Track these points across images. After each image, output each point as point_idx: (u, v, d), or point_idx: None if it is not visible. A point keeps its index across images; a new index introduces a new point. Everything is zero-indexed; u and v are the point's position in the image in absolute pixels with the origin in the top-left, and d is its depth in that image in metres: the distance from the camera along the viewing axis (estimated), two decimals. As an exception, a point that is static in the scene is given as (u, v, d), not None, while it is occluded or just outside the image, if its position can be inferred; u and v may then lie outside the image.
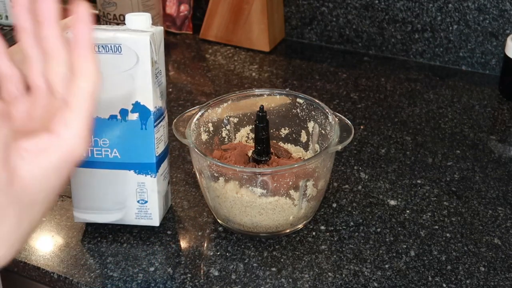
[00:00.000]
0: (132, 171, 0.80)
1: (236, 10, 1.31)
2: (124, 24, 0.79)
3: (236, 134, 0.92)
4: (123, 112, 0.77)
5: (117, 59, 0.75)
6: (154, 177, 0.81)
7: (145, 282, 0.77)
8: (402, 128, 1.06)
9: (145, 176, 0.81)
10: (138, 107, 0.77)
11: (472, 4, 1.18)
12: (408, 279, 0.77)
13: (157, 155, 0.80)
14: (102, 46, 0.75)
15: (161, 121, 0.81)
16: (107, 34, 0.75)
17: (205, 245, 0.83)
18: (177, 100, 1.15)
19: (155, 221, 0.84)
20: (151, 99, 0.77)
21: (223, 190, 0.80)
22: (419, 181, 0.93)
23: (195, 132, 0.85)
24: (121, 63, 0.75)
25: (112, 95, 0.77)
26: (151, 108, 0.77)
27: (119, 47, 0.75)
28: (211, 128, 0.89)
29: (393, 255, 0.81)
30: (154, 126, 0.78)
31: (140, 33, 0.75)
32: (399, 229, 0.85)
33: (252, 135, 0.91)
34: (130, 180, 0.81)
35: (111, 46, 0.75)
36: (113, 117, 0.78)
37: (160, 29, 0.79)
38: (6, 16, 1.40)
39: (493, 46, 1.19)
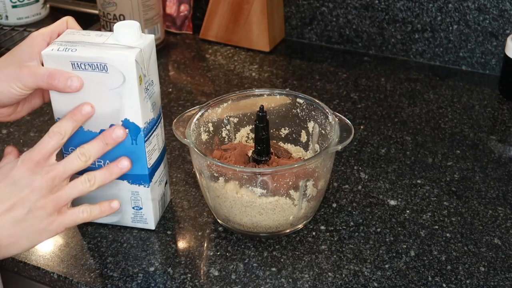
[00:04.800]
0: (125, 181, 0.80)
1: (236, 10, 1.31)
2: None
3: (236, 134, 0.92)
4: None
5: (104, 77, 0.73)
6: (147, 187, 0.81)
7: (145, 282, 0.77)
8: (402, 128, 1.06)
9: (139, 186, 0.80)
10: (127, 124, 0.76)
11: (472, 4, 1.18)
12: (408, 279, 0.77)
13: (149, 166, 0.80)
14: (88, 64, 0.73)
15: (154, 131, 0.80)
16: (93, 51, 0.73)
17: (205, 245, 0.83)
18: (177, 100, 1.15)
19: (151, 225, 0.84)
20: (140, 117, 0.76)
21: (223, 190, 0.80)
22: (419, 181, 0.94)
23: (195, 132, 0.85)
24: (108, 82, 0.74)
25: (101, 111, 0.75)
26: (141, 125, 0.76)
27: (105, 66, 0.73)
28: (211, 128, 0.89)
29: (393, 255, 0.81)
30: (145, 141, 0.78)
31: (126, 51, 0.73)
32: (399, 229, 0.85)
33: (252, 135, 0.91)
34: (124, 189, 0.81)
35: (97, 65, 0.73)
36: (103, 131, 0.76)
37: (150, 38, 0.77)
38: (6, 16, 1.40)
39: (493, 46, 1.20)
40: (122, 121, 0.76)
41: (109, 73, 0.73)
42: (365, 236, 0.84)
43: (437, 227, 0.85)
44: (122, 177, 0.79)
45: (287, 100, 0.91)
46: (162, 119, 0.83)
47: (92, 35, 0.76)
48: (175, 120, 0.84)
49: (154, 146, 0.80)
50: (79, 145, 0.77)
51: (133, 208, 0.82)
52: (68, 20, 0.79)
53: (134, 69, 0.73)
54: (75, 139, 0.77)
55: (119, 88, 0.74)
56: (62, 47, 0.74)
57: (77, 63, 0.73)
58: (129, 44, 0.74)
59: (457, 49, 1.23)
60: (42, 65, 0.75)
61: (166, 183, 0.86)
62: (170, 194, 0.90)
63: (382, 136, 1.04)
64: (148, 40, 0.76)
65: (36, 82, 0.74)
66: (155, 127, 0.80)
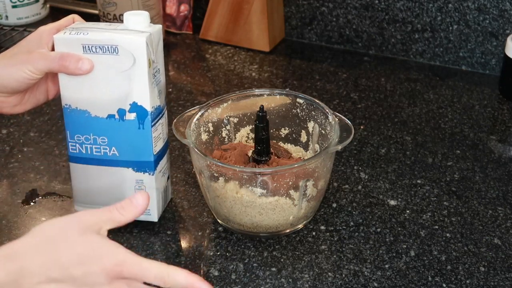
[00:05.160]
0: (130, 169, 0.81)
1: (236, 10, 1.31)
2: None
3: (236, 134, 0.92)
4: (121, 112, 0.78)
5: (114, 59, 0.75)
6: (152, 174, 0.81)
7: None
8: (402, 128, 1.06)
9: (143, 173, 0.81)
10: (135, 107, 0.77)
11: (472, 4, 1.18)
12: (408, 279, 0.77)
13: (155, 153, 0.80)
14: (99, 46, 0.75)
15: (159, 119, 0.81)
16: (105, 34, 0.75)
17: (205, 245, 0.83)
18: (177, 100, 1.15)
19: (154, 217, 0.84)
20: (148, 100, 0.77)
21: (223, 190, 0.80)
22: (419, 181, 0.93)
23: (195, 132, 0.85)
24: (118, 64, 0.75)
25: (110, 95, 0.77)
26: (148, 108, 0.77)
27: (116, 48, 0.75)
28: (211, 128, 0.89)
29: (393, 255, 0.81)
30: (152, 126, 0.79)
31: (137, 34, 0.75)
32: (399, 229, 0.85)
33: (252, 135, 0.91)
34: (128, 177, 0.81)
35: (108, 47, 0.75)
36: (111, 116, 0.78)
37: (158, 27, 0.79)
38: (6, 16, 1.40)
39: (493, 46, 1.20)
40: (130, 104, 0.77)
41: (119, 55, 0.75)
42: (365, 236, 0.84)
43: (437, 227, 0.85)
44: (127, 165, 0.80)
45: (287, 100, 0.91)
46: (166, 111, 0.84)
47: (102, 25, 0.79)
48: (175, 120, 0.85)
49: (159, 134, 0.81)
50: (86, 132, 0.79)
51: None
52: (75, 17, 0.82)
53: (144, 50, 0.75)
54: (83, 125, 0.79)
55: (128, 70, 0.75)
56: (74, 31, 0.76)
57: (88, 46, 0.75)
58: (138, 29, 0.77)
59: (457, 49, 1.23)
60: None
61: (168, 178, 0.87)
62: (171, 192, 0.90)
63: (382, 136, 1.04)
64: (157, 28, 0.78)
65: (47, 65, 0.75)
66: (160, 115, 0.81)
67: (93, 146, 0.80)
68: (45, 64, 0.75)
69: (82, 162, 0.81)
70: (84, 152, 0.81)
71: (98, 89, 0.77)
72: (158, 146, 0.81)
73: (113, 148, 0.80)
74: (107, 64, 0.75)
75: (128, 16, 0.77)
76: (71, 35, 0.76)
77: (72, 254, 0.57)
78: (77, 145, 0.80)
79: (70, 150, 0.81)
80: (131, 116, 0.78)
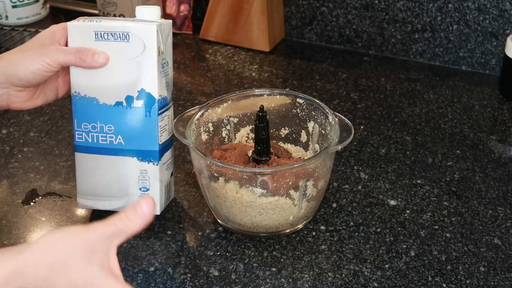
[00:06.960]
0: (135, 158, 0.81)
1: (236, 10, 1.31)
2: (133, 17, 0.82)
3: (236, 134, 0.92)
4: (129, 99, 0.79)
5: (125, 46, 0.77)
6: (157, 165, 0.81)
7: (145, 282, 0.77)
8: (402, 128, 1.06)
9: (148, 163, 0.81)
10: (143, 94, 0.79)
11: (472, 4, 1.18)
12: (408, 279, 0.77)
13: (160, 143, 0.81)
14: (111, 33, 0.77)
15: (166, 110, 0.82)
16: (116, 23, 0.78)
17: (205, 245, 0.83)
18: (177, 100, 1.15)
19: (156, 210, 0.84)
20: (156, 87, 0.78)
21: (223, 190, 0.80)
22: (419, 181, 0.94)
23: (195, 132, 0.85)
24: (129, 51, 0.78)
25: (119, 82, 0.79)
26: (156, 96, 0.79)
27: (127, 35, 0.77)
28: (211, 128, 0.89)
29: (393, 255, 0.81)
30: (158, 114, 0.80)
31: (148, 23, 0.78)
32: (399, 229, 0.85)
33: (252, 135, 0.91)
34: (133, 167, 0.82)
35: (119, 34, 0.77)
36: (118, 103, 0.79)
37: (168, 21, 0.81)
38: (6, 16, 1.40)
39: (493, 46, 1.20)
40: (138, 91, 0.79)
41: (130, 42, 0.77)
42: (365, 236, 0.84)
43: (437, 227, 0.85)
44: (132, 154, 0.81)
45: (287, 100, 0.91)
46: (173, 107, 0.84)
47: (115, 18, 0.83)
48: (175, 120, 0.85)
49: (165, 125, 0.82)
50: (94, 120, 0.80)
51: (140, 189, 0.83)
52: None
53: (154, 37, 0.77)
54: (90, 113, 0.80)
55: (138, 57, 0.78)
56: (87, 20, 0.79)
57: (100, 33, 0.78)
58: (150, 20, 0.80)
59: (457, 49, 1.23)
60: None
61: (172, 175, 0.87)
62: (174, 191, 0.90)
63: (382, 136, 1.04)
64: (167, 22, 0.81)
65: (64, 58, 0.77)
66: (167, 107, 0.82)
67: (100, 134, 0.81)
68: (62, 56, 0.77)
69: (87, 151, 0.82)
70: (90, 141, 0.82)
71: (107, 75, 0.79)
72: (163, 137, 0.82)
73: (119, 136, 0.80)
74: (118, 51, 0.78)
75: (140, 8, 0.80)
76: (84, 22, 0.78)
77: (70, 285, 0.56)
78: (83, 133, 0.81)
79: (77, 139, 0.82)
80: (139, 103, 0.79)
